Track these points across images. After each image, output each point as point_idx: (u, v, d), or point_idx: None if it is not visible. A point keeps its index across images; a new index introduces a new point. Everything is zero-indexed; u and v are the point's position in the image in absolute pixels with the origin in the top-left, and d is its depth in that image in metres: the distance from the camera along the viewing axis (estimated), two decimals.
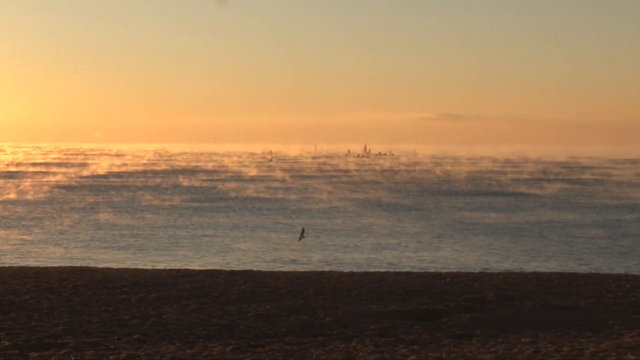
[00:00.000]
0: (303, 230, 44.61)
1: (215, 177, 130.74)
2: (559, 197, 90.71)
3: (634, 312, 22.81)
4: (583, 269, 37.40)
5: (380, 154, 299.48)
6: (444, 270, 35.21)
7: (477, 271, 34.88)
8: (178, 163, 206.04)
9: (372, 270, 35.38)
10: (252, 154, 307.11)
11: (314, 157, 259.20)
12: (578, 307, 23.76)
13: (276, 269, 35.71)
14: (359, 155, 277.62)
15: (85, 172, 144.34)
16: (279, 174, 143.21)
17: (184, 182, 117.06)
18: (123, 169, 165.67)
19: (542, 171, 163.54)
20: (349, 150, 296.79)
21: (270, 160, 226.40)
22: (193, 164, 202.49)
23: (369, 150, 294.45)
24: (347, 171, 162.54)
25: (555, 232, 54.61)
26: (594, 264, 40.33)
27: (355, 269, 36.15)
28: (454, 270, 35.23)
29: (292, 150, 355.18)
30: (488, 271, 34.73)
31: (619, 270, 37.03)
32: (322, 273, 32.01)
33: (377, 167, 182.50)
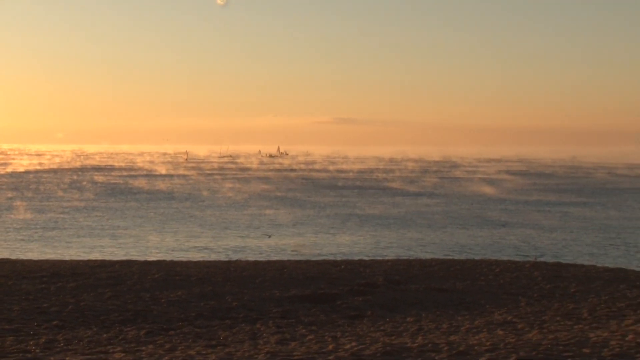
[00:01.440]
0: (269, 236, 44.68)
1: (129, 174, 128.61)
2: (433, 190, 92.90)
3: (503, 293, 23.66)
4: (459, 256, 38.48)
5: (282, 153, 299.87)
6: (339, 258, 35.67)
7: (368, 258, 35.50)
8: (92, 162, 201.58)
9: (275, 259, 35.59)
10: (164, 154, 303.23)
11: (220, 157, 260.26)
12: (455, 289, 24.48)
13: (187, 259, 35.53)
14: (270, 155, 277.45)
15: (2, 171, 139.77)
16: (190, 172, 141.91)
17: (99, 178, 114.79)
18: (40, 167, 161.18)
19: (421, 169, 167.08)
20: (259, 150, 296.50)
21: (186, 159, 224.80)
22: (108, 162, 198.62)
23: (279, 149, 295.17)
24: (250, 169, 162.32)
25: (434, 221, 55.93)
26: (470, 251, 41.53)
27: (260, 258, 36.29)
28: (348, 258, 35.76)
29: (202, 150, 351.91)
30: (378, 258, 35.38)
31: (490, 256, 38.26)
32: (230, 262, 32.02)
33: (278, 166, 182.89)
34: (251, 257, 36.79)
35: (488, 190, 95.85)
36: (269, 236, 43.65)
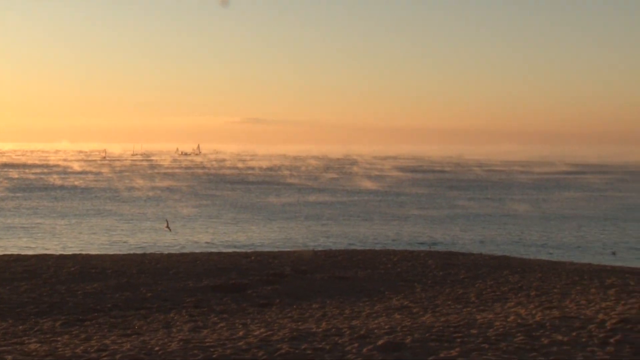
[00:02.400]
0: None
1: (43, 172, 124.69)
2: (335, 185, 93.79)
3: (400, 280, 24.16)
4: (361, 247, 39.02)
5: (195, 152, 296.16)
6: (249, 250, 35.63)
7: (276, 250, 35.58)
8: (5, 160, 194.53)
9: (188, 251, 35.26)
10: (80, 152, 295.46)
11: (133, 154, 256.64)
12: (357, 277, 24.84)
13: (103, 252, 34.78)
14: (184, 153, 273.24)
15: None
16: (104, 170, 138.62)
17: (13, 174, 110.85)
18: None
19: (325, 166, 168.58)
20: (177, 148, 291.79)
21: (104, 157, 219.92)
22: (22, 159, 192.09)
23: (199, 147, 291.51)
24: (162, 167, 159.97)
25: (336, 214, 56.50)
26: (370, 242, 42.16)
27: (173, 251, 35.87)
28: (258, 250, 35.76)
29: (118, 148, 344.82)
30: (285, 250, 35.50)
31: (389, 246, 38.95)
32: (144, 255, 31.52)
33: (190, 164, 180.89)
34: (165, 250, 36.32)
35: (382, 185, 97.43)
36: (169, 230, 42.94)
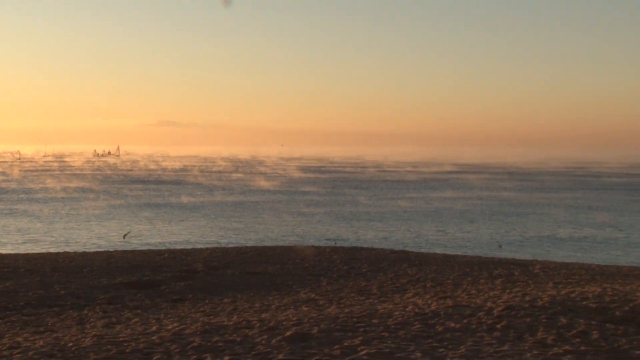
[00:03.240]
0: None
1: None
2: (243, 184, 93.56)
3: (307, 274, 24.33)
4: (270, 243, 39.04)
5: (110, 153, 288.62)
6: (162, 248, 35.07)
7: (189, 247, 35.15)
8: None
9: (102, 250, 34.39)
10: None
11: (44, 155, 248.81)
12: (267, 272, 24.86)
13: (15, 251, 33.48)
14: (98, 154, 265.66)
15: None
16: (15, 170, 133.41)
17: None
18: None
19: (233, 167, 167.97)
20: (95, 150, 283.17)
21: (18, 158, 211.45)
22: None
23: (119, 149, 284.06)
24: (74, 167, 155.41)
25: (245, 212, 56.34)
26: (280, 239, 42.24)
27: (88, 249, 34.91)
28: (171, 247, 35.24)
29: (32, 150, 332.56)
30: (198, 247, 35.13)
31: (297, 243, 39.11)
32: (58, 253, 30.56)
33: (103, 165, 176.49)
34: (79, 249, 35.31)
35: (288, 184, 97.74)
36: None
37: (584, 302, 15.63)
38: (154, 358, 11.54)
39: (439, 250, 36.50)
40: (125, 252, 30.93)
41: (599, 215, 56.93)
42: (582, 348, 11.89)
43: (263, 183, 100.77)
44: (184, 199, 71.02)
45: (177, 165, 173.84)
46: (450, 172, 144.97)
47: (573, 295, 16.77)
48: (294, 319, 14.72)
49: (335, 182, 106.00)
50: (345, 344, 12.08)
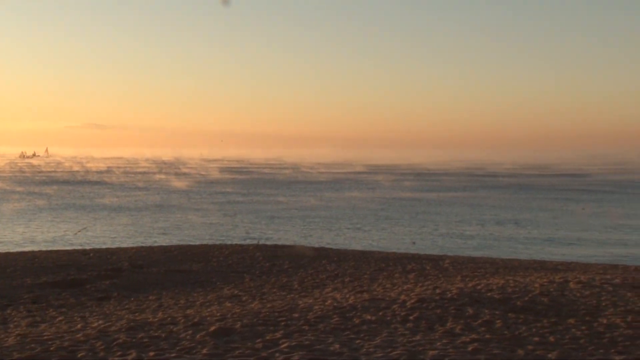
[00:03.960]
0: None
1: None
2: (165, 185, 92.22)
3: (231, 271, 24.15)
4: (195, 242, 38.59)
5: (34, 155, 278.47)
6: (88, 247, 34.13)
7: (115, 246, 34.34)
8: None
9: (27, 250, 33.17)
10: None
11: None
12: (192, 270, 24.55)
13: None
14: (23, 156, 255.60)
15: None
16: None
17: None
18: None
19: (157, 168, 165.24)
20: (22, 151, 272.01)
21: None
22: None
23: (47, 151, 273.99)
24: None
25: (170, 211, 55.50)
26: (204, 237, 41.80)
27: (10, 249, 33.61)
28: (96, 247, 34.35)
29: None
30: (124, 246, 34.37)
31: (221, 241, 38.80)
32: None
33: (26, 166, 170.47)
34: (2, 249, 33.97)
35: (209, 184, 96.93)
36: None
37: (489, 294, 16.12)
38: (79, 355, 11.22)
39: (357, 247, 36.92)
40: (50, 252, 29.93)
41: (500, 212, 58.76)
42: (487, 336, 12.26)
43: (186, 183, 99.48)
44: (108, 200, 69.36)
45: (102, 166, 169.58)
46: (361, 173, 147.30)
47: (479, 287, 17.27)
48: (218, 314, 14.60)
49: (256, 182, 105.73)
50: (268, 337, 12.08)
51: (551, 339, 12.02)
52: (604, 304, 15.04)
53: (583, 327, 12.84)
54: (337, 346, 11.44)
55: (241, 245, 32.07)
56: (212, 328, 12.76)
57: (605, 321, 13.35)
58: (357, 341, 11.86)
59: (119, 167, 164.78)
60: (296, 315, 14.15)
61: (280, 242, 37.55)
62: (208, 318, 14.04)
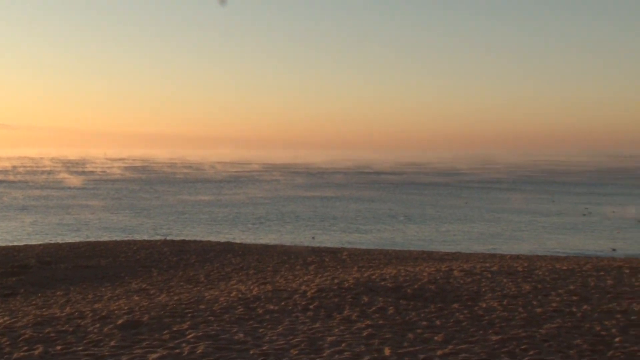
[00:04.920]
0: None
1: None
2: (71, 183, 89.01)
3: (139, 266, 23.56)
4: (103, 238, 37.36)
5: None
6: None
7: (22, 244, 32.73)
8: None
9: None
10: None
11: None
12: (100, 265, 23.75)
13: None
14: None
15: None
16: None
17: None
18: None
19: (63, 167, 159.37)
20: None
21: None
22: None
23: None
24: None
25: (76, 209, 53.52)
26: (112, 234, 40.51)
27: None
28: (2, 245, 32.62)
29: None
30: (31, 243, 32.80)
31: (130, 237, 37.73)
32: None
33: None
34: None
35: (114, 182, 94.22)
36: None
37: (382, 283, 16.48)
38: None
39: (260, 242, 36.83)
40: None
41: (393, 207, 60.16)
42: (380, 322, 12.53)
43: (91, 181, 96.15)
44: (13, 198, 66.02)
45: (7, 165, 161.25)
46: (258, 171, 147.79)
47: (374, 277, 17.62)
48: (126, 308, 14.20)
49: (160, 181, 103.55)
50: (175, 328, 11.86)
51: (437, 322, 12.43)
52: (483, 289, 15.71)
53: (465, 311, 13.36)
54: (241, 335, 11.38)
55: (149, 241, 31.31)
56: (120, 321, 12.39)
57: (484, 305, 13.93)
58: (261, 330, 11.84)
59: (24, 166, 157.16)
60: (202, 306, 13.97)
61: (187, 238, 36.91)
62: (116, 311, 13.62)
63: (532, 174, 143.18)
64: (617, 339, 11.00)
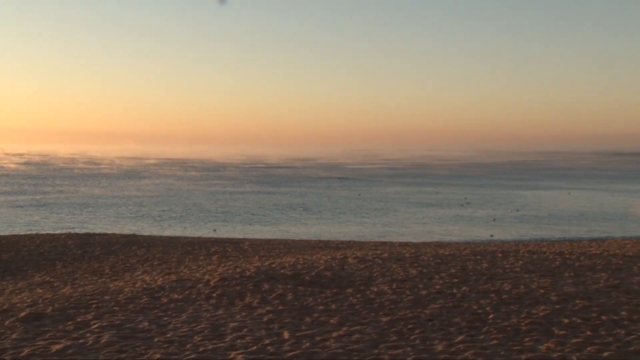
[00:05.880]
0: None
1: None
2: None
3: (43, 259, 22.47)
4: (4, 233, 35.31)
5: None
6: None
7: None
8: None
9: None
10: None
11: None
12: (1, 259, 22.43)
13: None
14: None
15: None
16: None
17: None
18: None
19: None
20: None
21: None
22: None
23: None
24: None
25: None
26: (13, 228, 38.34)
27: None
28: None
29: None
30: None
31: (33, 231, 35.86)
32: None
33: None
34: None
35: (13, 177, 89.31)
36: None
37: (282, 271, 16.56)
38: None
39: (164, 234, 36.01)
40: None
41: (291, 199, 60.50)
42: (280, 307, 12.60)
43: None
44: None
45: None
46: (155, 165, 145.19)
47: (274, 265, 17.68)
48: (29, 300, 13.50)
49: (60, 175, 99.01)
50: (79, 319, 11.40)
51: (333, 306, 12.65)
52: (375, 275, 16.13)
53: (359, 295, 13.67)
54: (146, 324, 11.11)
55: (52, 235, 29.88)
56: (22, 314, 11.77)
57: (376, 289, 14.32)
58: (165, 318, 11.61)
59: None
60: (107, 297, 13.52)
61: (92, 231, 35.51)
62: (18, 305, 12.92)
63: (416, 167, 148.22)
64: (490, 316, 11.62)
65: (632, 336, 10.10)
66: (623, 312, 11.68)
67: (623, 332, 10.40)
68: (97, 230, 35.77)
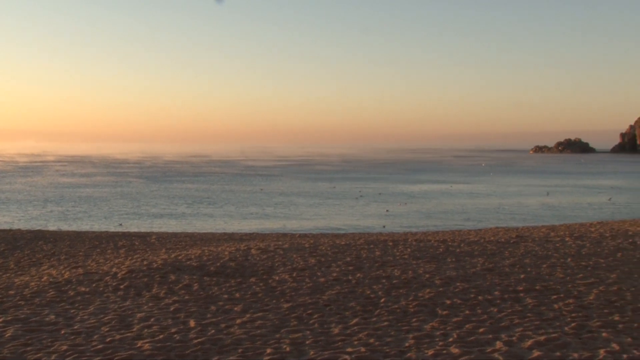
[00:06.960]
0: None
1: None
2: None
3: None
4: None
5: None
6: None
7: None
8: None
9: None
10: None
11: None
12: None
13: None
14: None
15: None
16: None
17: None
18: None
19: None
20: None
21: None
22: None
23: None
24: None
25: None
26: None
27: None
28: None
29: None
30: None
31: None
32: None
33: None
34: None
35: None
36: None
37: (188, 262, 16.31)
38: None
39: (70, 229, 34.35)
40: None
41: (193, 193, 59.47)
42: (186, 297, 12.43)
43: None
44: None
45: None
46: (53, 162, 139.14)
47: (180, 257, 17.38)
48: None
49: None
50: None
51: (237, 295, 12.63)
52: (276, 264, 16.23)
53: (261, 284, 13.72)
54: (52, 317, 10.61)
55: (5, 231, 27.82)
56: None
57: (277, 278, 14.42)
58: (72, 311, 11.14)
59: None
60: (12, 292, 12.77)
61: None
62: None
63: (310, 163, 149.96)
64: (382, 300, 12.05)
65: (503, 313, 10.82)
66: (496, 292, 12.48)
67: (495, 310, 11.11)
68: (1, 227, 33.55)
